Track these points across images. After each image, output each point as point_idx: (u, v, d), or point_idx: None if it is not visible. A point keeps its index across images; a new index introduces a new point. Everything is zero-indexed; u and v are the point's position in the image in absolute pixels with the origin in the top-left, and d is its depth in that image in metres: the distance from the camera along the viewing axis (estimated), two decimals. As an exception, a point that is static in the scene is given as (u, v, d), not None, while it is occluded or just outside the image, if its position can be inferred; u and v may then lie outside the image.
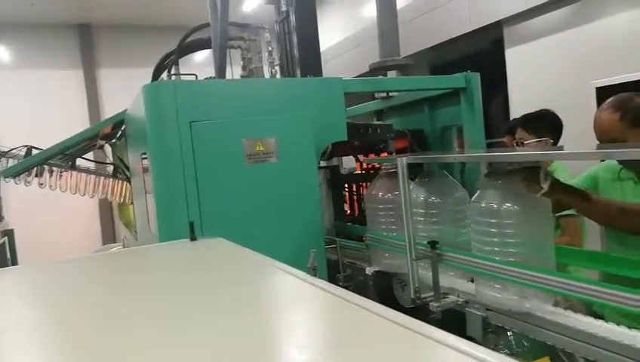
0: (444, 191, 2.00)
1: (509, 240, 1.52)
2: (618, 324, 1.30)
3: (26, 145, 3.35)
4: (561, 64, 5.00)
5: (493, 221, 1.55)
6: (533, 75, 5.32)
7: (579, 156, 1.84)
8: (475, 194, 1.66)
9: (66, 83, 9.96)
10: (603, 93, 4.22)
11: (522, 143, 2.80)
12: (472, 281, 1.74)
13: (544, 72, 5.19)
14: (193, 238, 1.49)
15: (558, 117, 2.83)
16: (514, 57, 5.59)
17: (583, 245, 2.61)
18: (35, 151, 3.25)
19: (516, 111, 5.12)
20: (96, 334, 0.83)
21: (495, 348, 1.54)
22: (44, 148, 3.10)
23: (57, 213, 8.82)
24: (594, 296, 1.28)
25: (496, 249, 1.54)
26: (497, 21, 5.58)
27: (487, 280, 1.60)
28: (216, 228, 1.67)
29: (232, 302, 0.95)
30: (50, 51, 9.87)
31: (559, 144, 2.81)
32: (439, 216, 1.95)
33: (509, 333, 1.56)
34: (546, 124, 2.80)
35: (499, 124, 5.11)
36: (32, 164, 3.13)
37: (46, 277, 1.33)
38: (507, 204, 1.53)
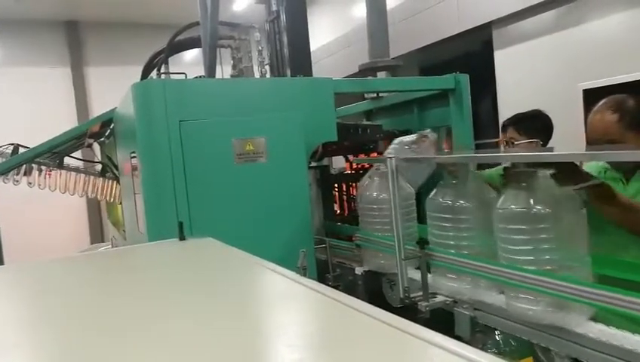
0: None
1: (543, 246, 1.39)
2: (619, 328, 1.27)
3: (12, 143, 3.31)
4: (549, 66, 5.04)
5: (524, 227, 1.40)
6: (522, 77, 5.36)
7: (569, 158, 1.85)
8: (500, 199, 1.50)
9: (54, 81, 9.87)
10: (590, 95, 4.27)
11: (512, 143, 2.81)
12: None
13: (532, 74, 5.23)
14: (182, 238, 1.49)
15: (549, 118, 2.83)
16: (503, 59, 5.63)
17: None
18: (22, 150, 3.21)
19: (505, 112, 5.16)
20: (82, 335, 0.82)
21: (483, 348, 1.55)
22: (32, 146, 3.07)
23: (45, 212, 8.74)
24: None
25: (529, 257, 1.40)
26: (487, 23, 5.62)
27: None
28: (205, 228, 1.67)
29: (221, 301, 0.95)
30: (38, 48, 9.77)
31: (549, 145, 2.83)
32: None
33: (496, 333, 1.58)
34: (537, 125, 2.80)
35: (488, 126, 5.15)
36: (19, 162, 3.09)
37: (32, 277, 1.32)
38: (538, 207, 1.39)
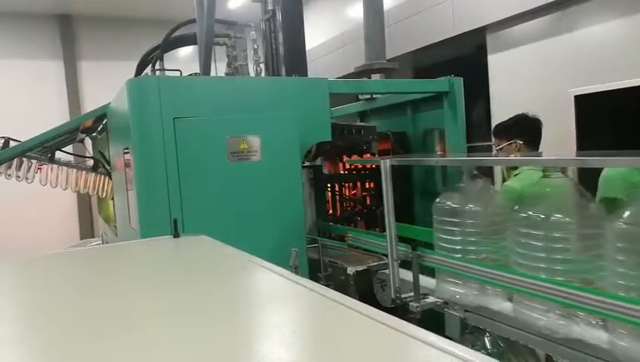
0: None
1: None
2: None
3: (3, 137, 3.28)
4: (541, 71, 5.08)
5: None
6: (515, 81, 5.39)
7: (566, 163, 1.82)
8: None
9: (46, 74, 9.77)
10: (581, 101, 4.31)
11: (497, 149, 2.84)
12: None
13: (525, 79, 5.27)
14: (176, 235, 1.49)
15: (534, 120, 2.79)
16: (496, 63, 5.66)
17: None
18: (12, 143, 3.18)
19: (497, 116, 5.18)
20: (66, 334, 0.81)
21: (472, 349, 1.57)
22: (22, 140, 3.04)
23: (34, 206, 8.65)
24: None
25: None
26: (481, 27, 5.65)
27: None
28: (198, 225, 1.67)
29: (217, 299, 0.95)
30: (30, 41, 9.67)
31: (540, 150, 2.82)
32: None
33: (486, 334, 1.59)
34: (516, 130, 2.78)
35: (480, 129, 5.18)
36: (10, 156, 3.06)
37: (19, 274, 1.30)
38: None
